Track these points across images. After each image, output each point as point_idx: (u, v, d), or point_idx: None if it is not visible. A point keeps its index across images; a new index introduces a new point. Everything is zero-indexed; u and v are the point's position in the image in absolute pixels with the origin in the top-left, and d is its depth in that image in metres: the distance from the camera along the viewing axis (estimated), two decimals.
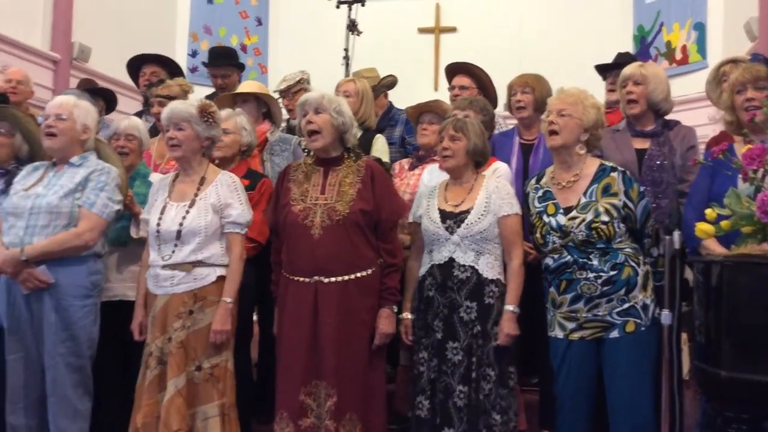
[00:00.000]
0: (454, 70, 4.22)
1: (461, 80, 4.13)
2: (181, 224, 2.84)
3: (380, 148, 3.94)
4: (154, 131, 4.00)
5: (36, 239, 2.83)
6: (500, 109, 4.33)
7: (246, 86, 4.01)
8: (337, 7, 5.34)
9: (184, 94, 4.11)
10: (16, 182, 3.00)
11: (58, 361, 2.84)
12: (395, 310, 2.95)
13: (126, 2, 7.48)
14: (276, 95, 4.44)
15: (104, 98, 4.88)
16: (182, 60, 7.99)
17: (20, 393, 2.91)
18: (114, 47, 6.80)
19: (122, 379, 3.09)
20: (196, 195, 2.90)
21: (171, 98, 3.94)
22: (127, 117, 3.62)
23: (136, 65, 4.89)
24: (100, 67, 6.89)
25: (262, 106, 3.88)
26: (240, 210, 2.91)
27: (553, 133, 2.84)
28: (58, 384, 2.84)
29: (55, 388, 2.84)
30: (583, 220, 2.77)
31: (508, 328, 2.86)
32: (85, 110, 3.04)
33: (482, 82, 4.13)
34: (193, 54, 8.04)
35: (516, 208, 2.97)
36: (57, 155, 3.02)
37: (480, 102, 3.54)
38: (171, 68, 4.82)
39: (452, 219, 2.94)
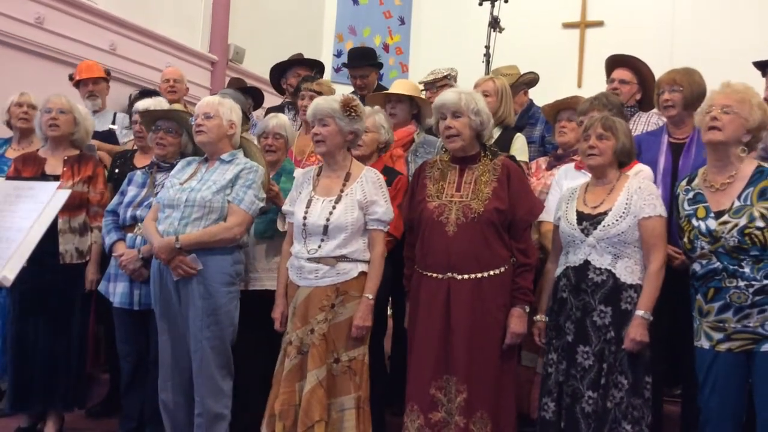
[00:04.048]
0: (615, 62, 4.03)
1: (622, 73, 3.93)
2: (328, 219, 2.90)
3: (519, 147, 3.88)
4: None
5: (189, 229, 3.03)
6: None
7: (401, 86, 4.00)
8: (480, 4, 5.32)
9: (329, 95, 4.27)
10: (172, 175, 3.23)
11: (204, 344, 3.01)
12: (527, 310, 2.91)
13: (277, 6, 7.86)
14: (420, 86, 4.48)
15: (252, 96, 5.16)
16: (328, 60, 8.30)
17: (169, 372, 3.13)
18: (265, 48, 7.17)
19: (265, 364, 3.22)
20: (342, 191, 2.97)
21: (321, 95, 4.10)
22: (275, 116, 3.79)
23: (280, 72, 5.07)
24: (253, 68, 7.29)
25: (413, 108, 3.91)
26: (385, 208, 2.95)
27: (714, 128, 2.68)
28: (204, 365, 3.02)
29: (202, 369, 3.03)
30: (736, 225, 2.62)
31: (635, 333, 2.72)
32: (229, 107, 3.21)
33: (644, 76, 3.93)
34: (338, 54, 8.30)
35: (659, 209, 2.83)
36: (208, 150, 3.21)
37: (601, 98, 3.41)
38: (315, 69, 5.00)
39: (588, 221, 2.86)
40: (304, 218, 2.94)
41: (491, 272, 2.85)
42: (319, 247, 2.91)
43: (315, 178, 3.06)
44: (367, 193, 2.94)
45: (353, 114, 2.96)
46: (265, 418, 2.95)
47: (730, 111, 2.66)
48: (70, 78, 4.97)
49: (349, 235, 2.90)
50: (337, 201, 2.94)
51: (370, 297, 2.89)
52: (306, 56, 5.44)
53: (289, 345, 2.94)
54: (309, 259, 2.91)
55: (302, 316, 2.92)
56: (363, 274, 2.92)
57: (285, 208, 3.12)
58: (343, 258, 2.90)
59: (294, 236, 3.03)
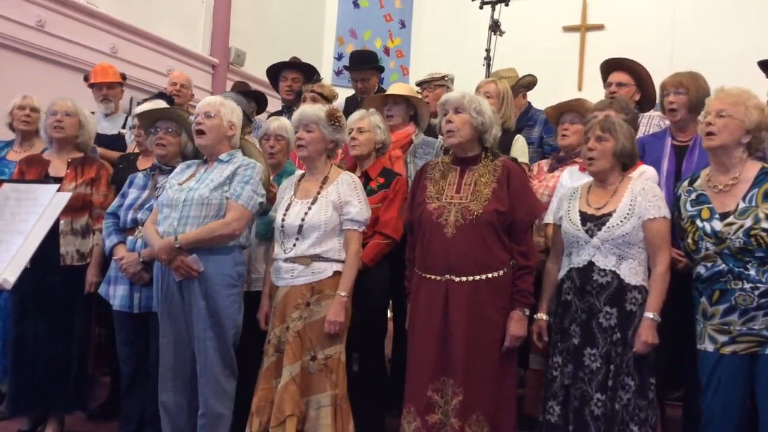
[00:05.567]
0: (610, 66, 4.04)
1: (618, 77, 3.95)
2: (303, 219, 2.99)
3: (520, 149, 3.90)
4: None
5: (188, 229, 3.02)
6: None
7: (397, 88, 4.06)
8: (481, 7, 5.33)
9: (332, 97, 4.29)
10: (171, 177, 3.23)
11: (207, 345, 3.02)
12: (527, 313, 2.90)
13: (278, 9, 7.87)
14: (416, 88, 4.49)
15: (256, 100, 5.16)
16: (328, 63, 8.32)
17: (170, 373, 3.12)
18: (266, 51, 7.17)
19: None
20: (318, 193, 3.05)
21: (323, 96, 4.16)
22: (277, 118, 3.80)
23: (275, 71, 5.09)
24: (253, 71, 7.30)
25: (410, 109, 3.94)
26: (359, 208, 3.02)
27: (710, 134, 2.70)
28: (208, 366, 3.03)
29: (206, 370, 3.03)
30: (741, 227, 2.62)
31: (645, 336, 2.73)
32: (230, 108, 3.22)
33: (640, 77, 3.94)
34: (339, 57, 8.31)
35: (664, 211, 2.83)
36: (207, 152, 3.21)
37: (621, 101, 3.43)
38: (309, 74, 5.01)
39: (593, 221, 2.86)
40: (283, 220, 3.04)
41: (490, 275, 2.83)
42: (294, 246, 2.99)
43: (296, 184, 3.16)
44: (342, 194, 3.03)
45: (336, 124, 3.10)
46: (249, 417, 3.00)
47: (724, 114, 2.68)
48: (85, 79, 4.97)
49: (322, 235, 2.98)
50: (313, 202, 3.03)
51: (343, 294, 2.95)
52: (307, 59, 5.43)
53: (268, 344, 3.02)
54: (285, 260, 3.01)
55: (280, 315, 3.00)
56: (338, 273, 2.99)
57: (270, 213, 3.20)
58: (317, 257, 2.98)
59: (275, 239, 3.11)
